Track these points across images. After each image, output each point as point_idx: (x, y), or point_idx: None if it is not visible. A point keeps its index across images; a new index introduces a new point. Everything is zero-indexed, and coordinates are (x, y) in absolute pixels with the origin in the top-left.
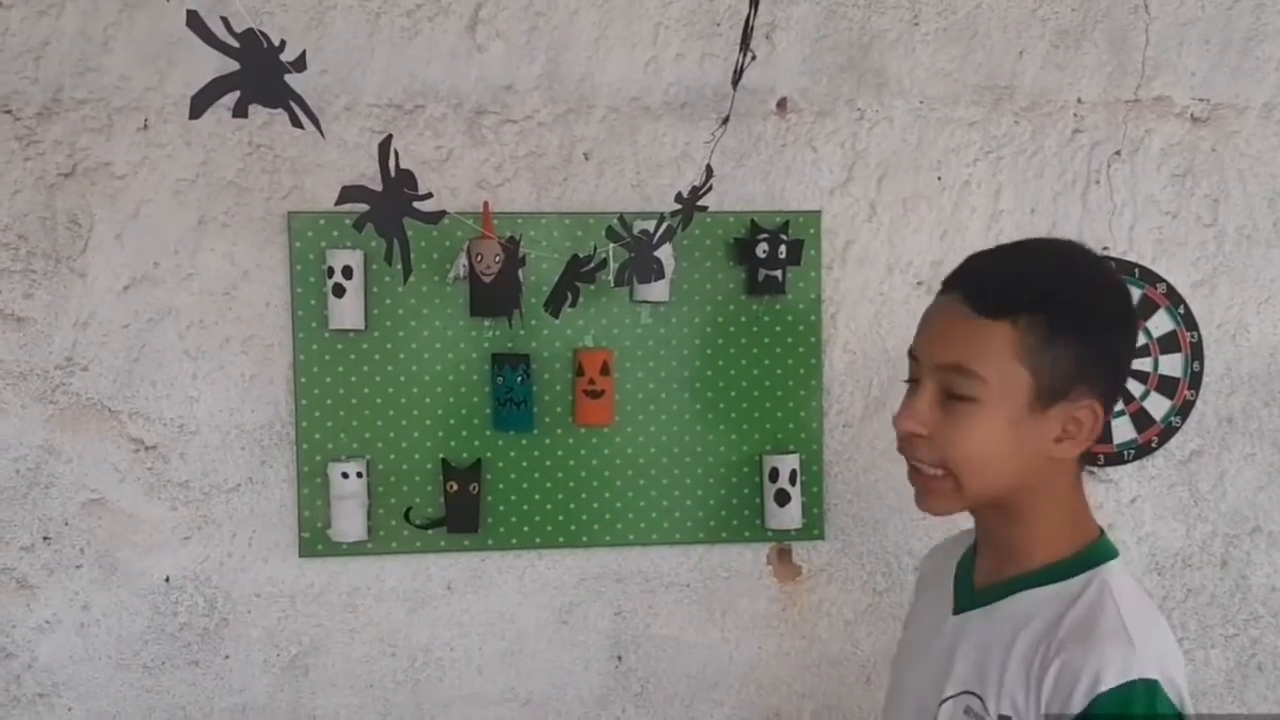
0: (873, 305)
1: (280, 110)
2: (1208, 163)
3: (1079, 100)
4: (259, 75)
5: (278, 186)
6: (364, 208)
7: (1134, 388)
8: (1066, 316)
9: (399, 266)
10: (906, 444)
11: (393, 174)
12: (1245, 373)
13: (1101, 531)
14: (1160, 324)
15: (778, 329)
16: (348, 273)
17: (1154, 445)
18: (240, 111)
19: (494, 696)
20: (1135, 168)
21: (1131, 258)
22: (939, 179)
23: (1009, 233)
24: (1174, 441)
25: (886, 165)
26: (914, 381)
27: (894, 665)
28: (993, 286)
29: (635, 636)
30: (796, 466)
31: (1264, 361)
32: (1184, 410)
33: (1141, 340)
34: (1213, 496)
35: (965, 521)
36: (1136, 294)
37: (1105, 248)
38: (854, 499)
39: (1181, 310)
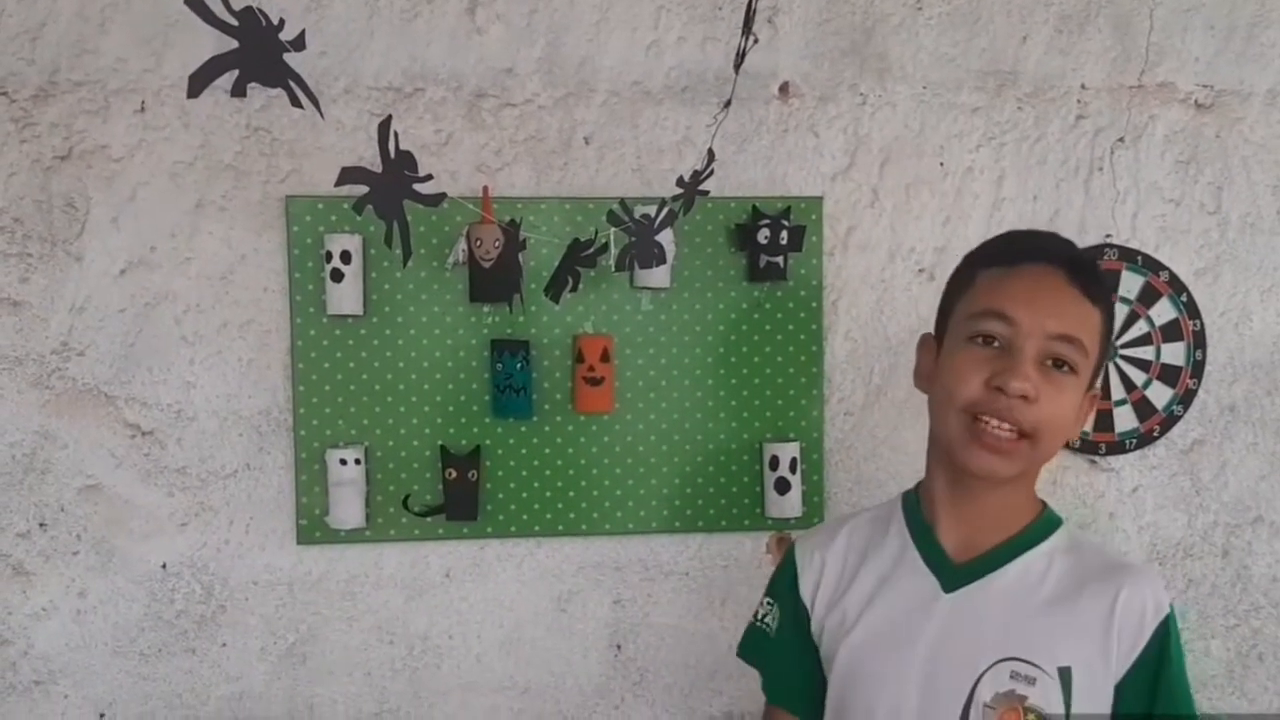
0: (874, 292)
1: (280, 91)
2: (1212, 149)
3: (1083, 86)
4: (258, 54)
5: (276, 170)
6: (363, 190)
7: (1136, 376)
8: (1112, 317)
9: (398, 250)
10: (1010, 408)
11: (392, 155)
12: (1248, 361)
13: (1043, 501)
14: (1163, 312)
15: (779, 316)
16: (346, 258)
17: (1156, 434)
18: (239, 90)
19: (492, 685)
20: (1139, 154)
21: (1134, 245)
22: (941, 165)
23: (1011, 220)
24: (1176, 430)
25: (889, 151)
26: (990, 341)
27: (851, 658)
28: (1093, 273)
29: (634, 625)
30: (797, 455)
31: (1267, 350)
32: (1186, 399)
33: (1144, 328)
34: (1214, 486)
35: None
36: (1139, 281)
37: (1108, 235)
38: (855, 487)
39: (1184, 298)
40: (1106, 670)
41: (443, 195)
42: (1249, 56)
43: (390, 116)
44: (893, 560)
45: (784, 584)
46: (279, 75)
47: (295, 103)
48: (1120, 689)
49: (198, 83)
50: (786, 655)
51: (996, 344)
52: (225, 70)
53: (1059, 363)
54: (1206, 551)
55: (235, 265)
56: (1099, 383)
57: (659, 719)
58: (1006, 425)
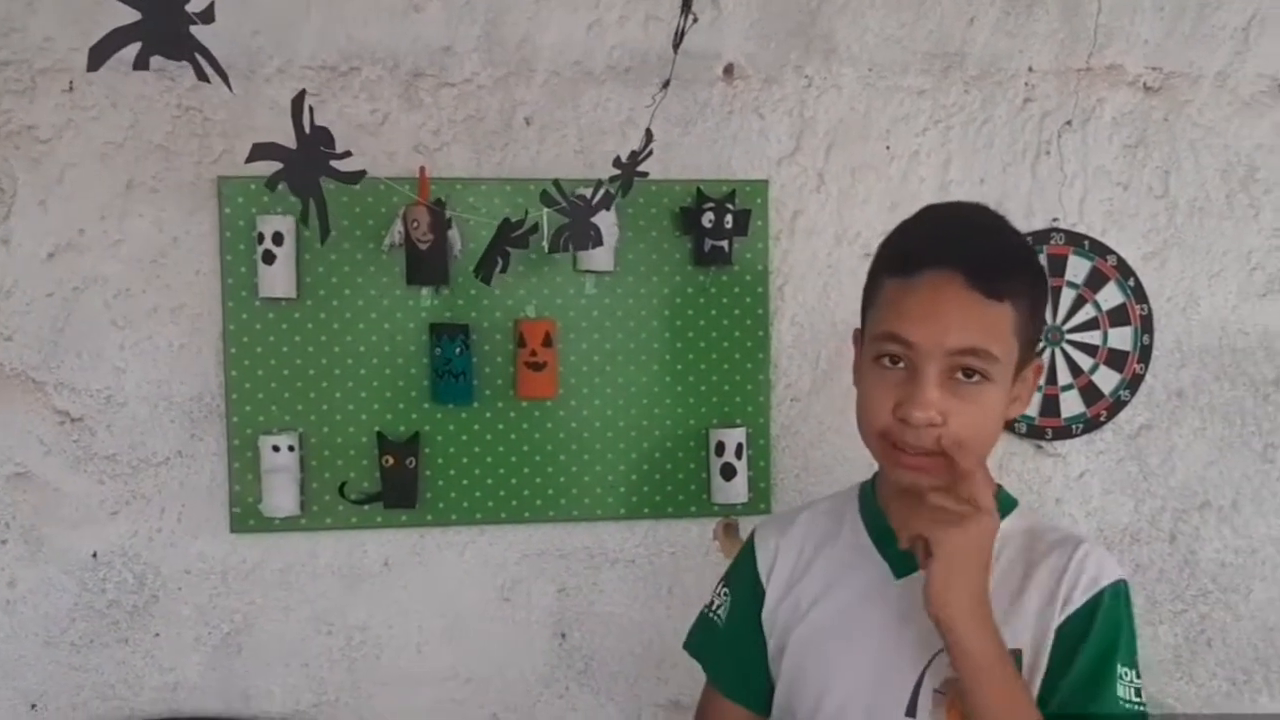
0: (821, 277)
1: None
2: (1160, 133)
3: (1030, 69)
4: (162, 26)
5: (208, 150)
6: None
7: (1083, 361)
8: (1039, 292)
9: (318, 228)
10: (919, 436)
11: (308, 131)
12: (1195, 346)
13: (998, 484)
14: (1110, 297)
15: (724, 301)
16: (278, 239)
17: (1103, 419)
18: (141, 64)
19: (434, 676)
20: (1086, 138)
21: (1081, 229)
22: (888, 149)
23: None
24: (1123, 415)
25: (835, 134)
26: (895, 361)
27: (800, 647)
28: (998, 269)
29: (579, 614)
30: (743, 440)
31: (1214, 335)
32: (1133, 384)
33: (1091, 313)
34: (1162, 471)
35: None
36: (1087, 266)
37: (1055, 219)
38: (801, 473)
39: (1131, 283)
40: (1043, 648)
41: (362, 173)
42: (1197, 39)
43: (304, 91)
44: (847, 549)
45: (741, 569)
46: (184, 48)
47: (202, 76)
48: (1052, 650)
49: (98, 55)
50: (735, 645)
51: (901, 364)
52: (128, 42)
53: (969, 372)
54: (1154, 537)
55: (166, 248)
56: (1038, 354)
57: (604, 708)
58: (928, 447)
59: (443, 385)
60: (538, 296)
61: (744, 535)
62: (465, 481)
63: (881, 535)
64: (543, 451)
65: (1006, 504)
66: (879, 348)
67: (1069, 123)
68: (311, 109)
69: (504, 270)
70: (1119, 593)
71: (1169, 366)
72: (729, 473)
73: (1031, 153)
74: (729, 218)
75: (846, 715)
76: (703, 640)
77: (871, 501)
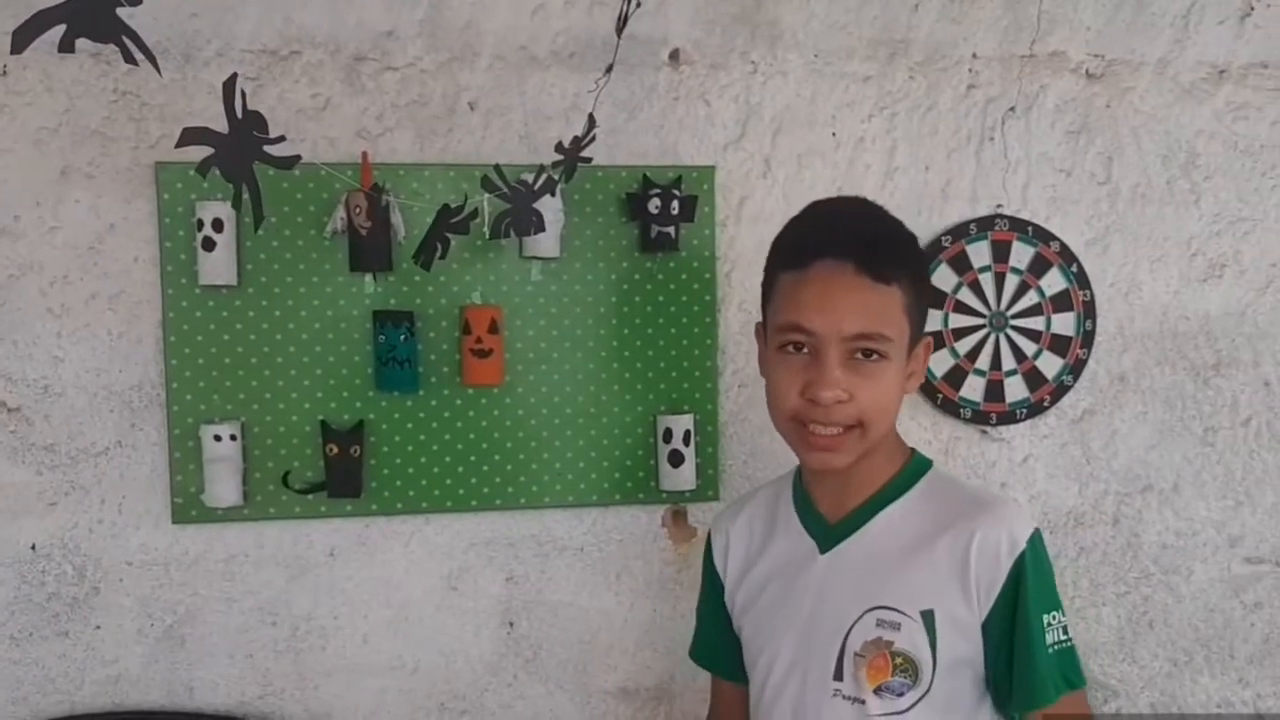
0: None
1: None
2: (1102, 119)
3: (974, 55)
4: (89, 8)
5: (145, 135)
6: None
7: (1026, 346)
8: (920, 269)
9: (249, 216)
10: (828, 413)
11: (239, 115)
12: (1138, 331)
13: (912, 449)
14: (1053, 282)
15: (671, 287)
16: (218, 225)
17: (1046, 404)
18: (66, 46)
19: (380, 665)
20: (1030, 124)
21: (1025, 215)
22: (834, 135)
23: (903, 190)
24: (1066, 400)
25: (781, 120)
26: (799, 348)
27: (749, 634)
28: (883, 255)
29: (527, 602)
30: (691, 427)
31: (1156, 320)
32: (1076, 369)
33: (1034, 299)
34: (1105, 455)
35: None
36: (1030, 252)
37: (999, 205)
38: (749, 460)
39: (1074, 269)
40: (970, 611)
41: (297, 157)
42: (1139, 26)
43: (235, 75)
44: (784, 532)
45: (705, 562)
46: (111, 30)
47: (129, 59)
48: (985, 629)
49: (22, 38)
50: (711, 630)
51: (805, 350)
52: (53, 24)
53: (867, 352)
54: (1097, 520)
55: (104, 234)
56: (924, 332)
57: (553, 696)
58: (838, 424)
59: (387, 373)
60: (483, 283)
61: (692, 522)
62: (411, 470)
63: (806, 512)
64: (489, 439)
65: (921, 466)
66: (782, 338)
67: (1012, 109)
68: (244, 93)
69: (444, 256)
70: (1035, 549)
71: (1111, 351)
72: (677, 459)
73: (976, 139)
74: (675, 204)
75: (788, 682)
76: (696, 630)
77: (799, 483)
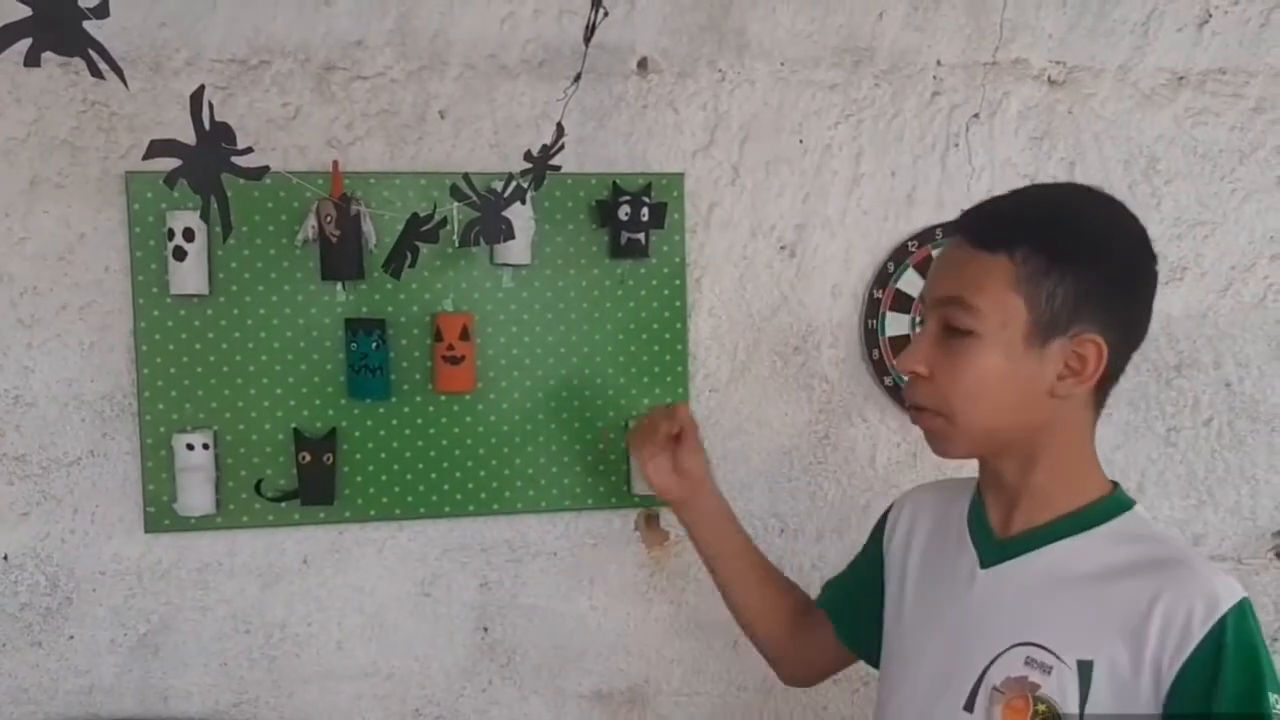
0: (737, 269)
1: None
2: (1064, 125)
3: (938, 63)
4: (53, 21)
5: (115, 145)
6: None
7: None
8: (1066, 248)
9: (218, 227)
10: (909, 387)
11: (207, 127)
12: None
13: (1115, 484)
14: None
15: (642, 293)
16: (189, 235)
17: None
18: (32, 60)
19: (354, 672)
20: (993, 130)
21: None
22: (801, 142)
23: (870, 196)
24: None
25: (748, 128)
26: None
27: (894, 626)
28: (990, 222)
29: (501, 607)
30: None
31: None
32: None
33: None
34: None
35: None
36: None
37: (964, 210)
38: (720, 463)
39: None
40: (1136, 674)
41: (265, 169)
42: (1100, 33)
43: (202, 86)
44: (951, 531)
45: (874, 530)
46: (77, 44)
47: (95, 72)
48: (1171, 695)
49: None
50: (852, 571)
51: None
52: (17, 38)
53: (952, 328)
54: None
55: (74, 245)
56: (1100, 326)
57: (528, 700)
58: (925, 405)
59: (359, 380)
60: (455, 290)
61: (665, 526)
62: (384, 477)
63: (977, 520)
64: (462, 445)
65: (1121, 504)
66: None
67: (976, 115)
68: (211, 104)
69: (413, 265)
70: (1245, 614)
71: None
72: None
73: (940, 145)
74: (645, 211)
75: (915, 695)
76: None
77: (978, 490)
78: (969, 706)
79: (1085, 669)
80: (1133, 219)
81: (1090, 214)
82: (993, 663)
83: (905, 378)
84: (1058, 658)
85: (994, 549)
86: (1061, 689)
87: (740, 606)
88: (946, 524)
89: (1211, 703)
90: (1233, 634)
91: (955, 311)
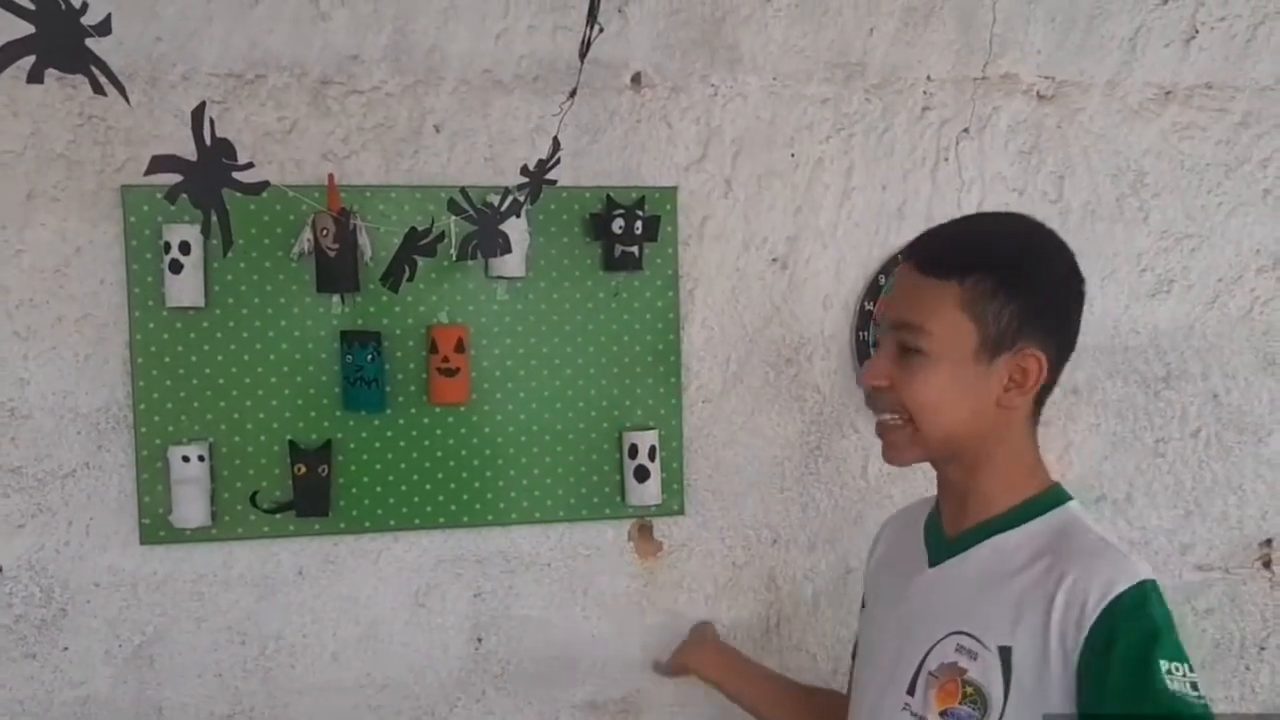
0: (729, 281)
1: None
2: (1053, 140)
3: (928, 78)
4: (57, 39)
5: (111, 159)
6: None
7: None
8: (1011, 273)
9: (216, 240)
10: (871, 398)
11: (209, 143)
12: (1090, 345)
13: (1055, 483)
14: None
15: (635, 305)
16: (185, 248)
17: None
18: (35, 77)
19: (349, 683)
20: (983, 145)
21: None
22: (792, 156)
23: (861, 209)
24: None
25: (741, 142)
26: (878, 345)
27: (862, 633)
28: (938, 250)
29: (495, 618)
30: (655, 443)
31: (1108, 334)
32: None
33: None
34: (1060, 466)
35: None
36: None
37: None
38: (713, 474)
39: None
40: (1045, 658)
41: (265, 184)
42: (1088, 48)
43: (204, 102)
44: (911, 537)
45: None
46: (80, 61)
47: (98, 89)
48: (1078, 677)
49: None
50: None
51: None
52: (21, 55)
53: (906, 347)
54: None
55: (70, 258)
56: (1040, 342)
57: (522, 710)
58: (879, 414)
59: (354, 392)
60: (450, 303)
61: (658, 537)
62: (379, 488)
63: (931, 527)
64: (456, 457)
65: (1055, 499)
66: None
67: (966, 130)
68: (213, 120)
69: (411, 279)
70: (1144, 593)
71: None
72: (642, 475)
73: (931, 159)
74: (639, 224)
75: (870, 686)
76: None
77: (938, 498)
78: (910, 690)
79: (1005, 654)
80: (1064, 245)
81: (1029, 241)
82: (930, 650)
83: (867, 391)
84: (982, 644)
85: (943, 548)
86: (986, 673)
87: None
88: (907, 534)
89: (1107, 677)
90: (1125, 611)
91: (906, 334)
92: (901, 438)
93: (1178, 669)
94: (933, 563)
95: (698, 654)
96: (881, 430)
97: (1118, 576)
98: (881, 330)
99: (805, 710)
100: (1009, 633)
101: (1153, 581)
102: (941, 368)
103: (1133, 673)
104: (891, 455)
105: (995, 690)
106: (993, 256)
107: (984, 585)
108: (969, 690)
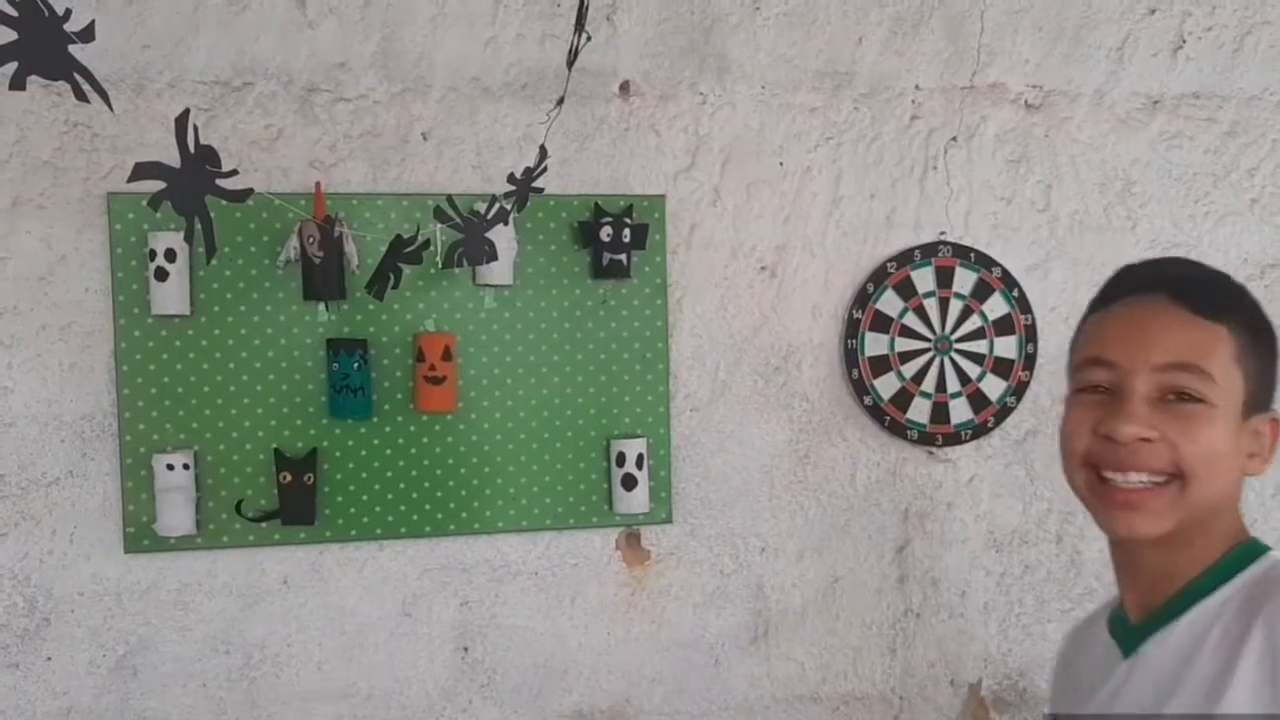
0: (718, 289)
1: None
2: (1041, 149)
3: (917, 87)
4: (40, 46)
5: (97, 166)
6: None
7: (970, 369)
8: (1261, 326)
9: (201, 248)
10: (1131, 453)
11: (192, 150)
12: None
13: (1253, 538)
14: (995, 307)
15: (624, 313)
16: (170, 256)
17: (990, 425)
18: (18, 84)
19: (334, 692)
20: (971, 154)
21: (968, 242)
22: (781, 164)
23: (849, 218)
24: (1010, 421)
25: (730, 150)
26: (1100, 390)
27: None
28: (1206, 290)
29: (482, 626)
30: (644, 451)
31: None
32: (1019, 391)
33: (977, 323)
34: (1047, 474)
35: None
36: (973, 278)
37: (942, 233)
38: (701, 482)
39: (1016, 294)
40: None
41: (249, 191)
42: (1076, 58)
43: (188, 110)
44: (1094, 637)
45: None
46: (62, 68)
47: (81, 96)
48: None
49: None
50: None
51: (1106, 392)
52: (3, 62)
53: (1183, 395)
54: (1041, 538)
55: (55, 265)
56: (1268, 407)
57: (508, 719)
58: (1135, 475)
59: (341, 400)
60: (437, 311)
61: (646, 545)
62: (365, 497)
63: (1116, 611)
64: (443, 465)
65: (1238, 561)
66: (1082, 377)
67: (954, 139)
68: (196, 127)
69: (396, 286)
70: None
71: (1053, 374)
72: (630, 483)
73: (919, 168)
74: (627, 232)
75: None
76: None
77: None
78: None
79: None
80: None
81: (1252, 296)
82: None
83: (1121, 443)
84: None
85: (1130, 636)
86: None
87: None
88: (1087, 642)
89: None
90: None
91: (1186, 378)
92: (1162, 502)
93: None
94: (1127, 652)
95: None
96: (1125, 496)
97: None
98: (1124, 373)
99: None
100: (1230, 698)
101: None
102: (1222, 421)
103: None
104: (1141, 524)
105: None
106: (1249, 308)
107: (1185, 666)
108: None
